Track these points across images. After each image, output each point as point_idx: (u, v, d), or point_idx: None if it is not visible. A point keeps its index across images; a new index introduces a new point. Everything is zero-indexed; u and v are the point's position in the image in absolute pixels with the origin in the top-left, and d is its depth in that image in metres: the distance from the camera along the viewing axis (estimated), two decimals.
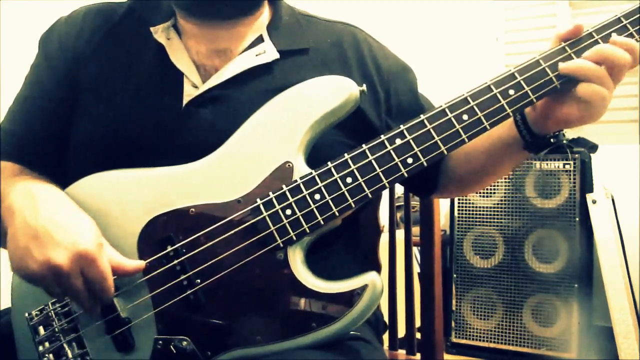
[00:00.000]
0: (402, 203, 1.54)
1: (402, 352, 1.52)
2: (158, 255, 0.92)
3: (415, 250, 2.67)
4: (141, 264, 0.91)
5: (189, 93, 1.02)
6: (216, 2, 1.03)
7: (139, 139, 1.01)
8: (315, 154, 0.95)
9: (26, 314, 0.96)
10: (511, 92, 0.94)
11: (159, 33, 1.06)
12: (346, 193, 0.91)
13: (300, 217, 0.90)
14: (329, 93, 0.94)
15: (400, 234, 1.54)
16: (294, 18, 1.14)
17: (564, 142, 0.99)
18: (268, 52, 1.05)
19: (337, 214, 0.91)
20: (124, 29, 1.10)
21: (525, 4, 3.62)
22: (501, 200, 2.94)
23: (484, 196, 2.98)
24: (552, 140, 0.99)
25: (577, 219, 2.77)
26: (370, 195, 0.91)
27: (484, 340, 2.96)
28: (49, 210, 0.89)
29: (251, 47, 1.07)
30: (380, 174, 0.92)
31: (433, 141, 0.93)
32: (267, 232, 0.90)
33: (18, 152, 1.07)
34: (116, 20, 1.11)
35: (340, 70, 1.08)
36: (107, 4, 1.14)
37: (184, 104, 1.02)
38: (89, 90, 1.06)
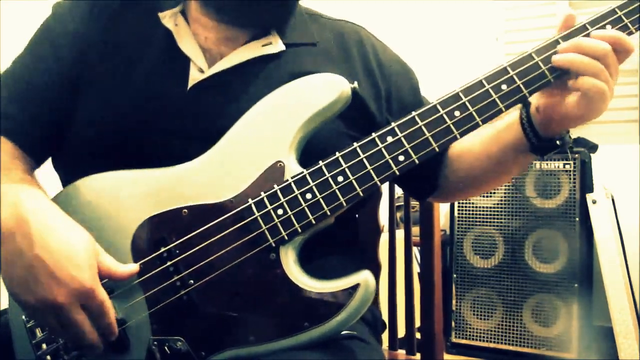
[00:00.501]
0: (402, 203, 1.54)
1: (402, 352, 1.52)
2: (151, 257, 0.92)
3: (415, 250, 2.67)
4: (135, 267, 0.91)
5: (194, 77, 1.02)
6: (254, 12, 1.04)
7: (143, 121, 1.00)
8: (322, 147, 0.95)
9: (23, 317, 0.95)
10: (504, 86, 0.93)
11: (167, 19, 1.06)
12: (337, 192, 0.91)
13: (292, 216, 0.90)
14: (321, 91, 0.94)
15: (400, 234, 1.54)
16: (299, 15, 1.14)
17: (570, 144, 0.99)
18: (274, 44, 1.06)
19: (328, 213, 0.90)
20: (131, 14, 1.09)
21: (525, 4, 3.61)
22: (501, 200, 2.94)
23: (484, 196, 2.98)
24: (557, 142, 0.98)
25: (577, 219, 2.77)
26: (361, 194, 0.91)
27: (484, 340, 2.96)
28: (42, 236, 0.86)
29: (257, 38, 1.07)
30: (372, 171, 0.91)
31: (424, 137, 0.92)
32: (258, 232, 0.90)
33: (12, 124, 1.03)
34: (121, 5, 1.10)
35: (343, 65, 1.09)
36: None
37: (188, 88, 1.02)
38: (95, 72, 1.05)
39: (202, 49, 1.05)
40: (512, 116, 1.03)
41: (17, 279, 0.85)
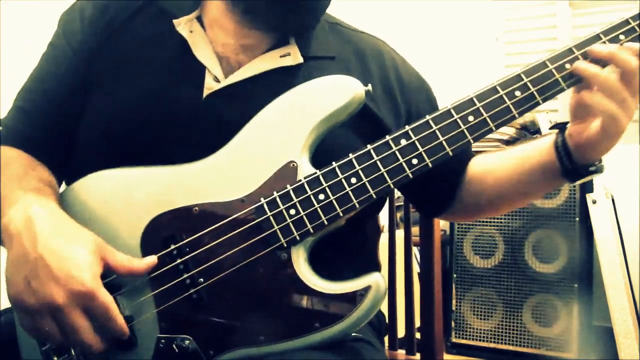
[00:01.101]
0: (402, 203, 1.54)
1: (402, 352, 1.52)
2: (161, 254, 0.92)
3: (415, 250, 2.67)
4: (153, 259, 0.91)
5: (210, 86, 1.02)
6: (282, 13, 1.03)
7: (155, 129, 1.00)
8: (335, 156, 0.94)
9: None
10: (517, 93, 0.94)
11: (182, 26, 1.06)
12: (350, 193, 0.91)
13: (304, 217, 0.90)
14: (334, 93, 0.94)
15: (400, 234, 1.54)
16: (319, 24, 1.13)
17: (603, 168, 1.00)
18: (293, 56, 1.05)
19: (341, 214, 0.90)
20: (145, 18, 1.09)
21: (525, 4, 3.62)
22: None
23: None
24: (591, 169, 0.99)
25: (577, 219, 2.78)
26: (374, 196, 0.91)
27: (484, 340, 2.96)
28: (47, 237, 0.86)
29: (276, 47, 1.06)
30: (385, 174, 0.92)
31: (438, 141, 0.93)
32: (270, 231, 0.90)
33: (25, 131, 1.06)
34: (136, 9, 1.09)
35: (362, 79, 1.08)
36: None
37: (204, 97, 1.01)
38: (106, 77, 1.05)
39: (219, 57, 1.05)
40: (543, 140, 1.05)
41: (20, 281, 0.84)
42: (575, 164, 1.00)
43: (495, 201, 1.16)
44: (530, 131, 3.01)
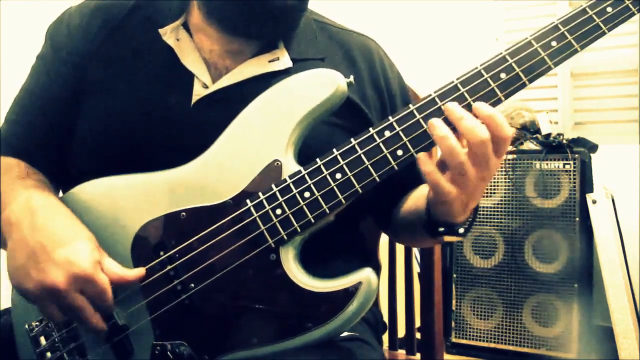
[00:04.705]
0: None
1: (402, 352, 1.52)
2: (152, 264, 0.92)
3: (415, 250, 2.67)
4: (141, 271, 0.91)
5: (199, 92, 1.02)
6: (255, 23, 1.02)
7: (146, 136, 1.00)
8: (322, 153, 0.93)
9: (26, 326, 0.96)
10: (502, 75, 0.89)
11: (168, 34, 1.06)
12: (336, 189, 0.89)
13: (290, 216, 0.89)
14: (315, 87, 0.92)
15: None
16: (308, 25, 1.12)
17: (459, 233, 0.92)
18: (281, 60, 1.05)
19: (327, 211, 0.89)
20: (132, 27, 1.09)
21: (525, 4, 3.62)
22: (501, 200, 2.94)
23: (484, 196, 2.97)
24: (440, 228, 0.93)
25: (577, 219, 2.77)
26: (360, 191, 0.89)
27: (484, 340, 2.96)
28: (47, 226, 0.88)
29: (264, 52, 1.06)
30: (370, 167, 0.89)
31: (422, 130, 0.89)
32: (257, 232, 0.89)
33: (21, 144, 1.06)
34: (122, 17, 1.09)
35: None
36: (114, 1, 1.13)
37: (192, 103, 1.01)
38: (96, 86, 1.05)
39: (207, 62, 1.04)
40: None
41: (19, 266, 0.86)
42: (432, 218, 0.94)
43: (398, 232, 1.15)
44: (531, 131, 3.01)
